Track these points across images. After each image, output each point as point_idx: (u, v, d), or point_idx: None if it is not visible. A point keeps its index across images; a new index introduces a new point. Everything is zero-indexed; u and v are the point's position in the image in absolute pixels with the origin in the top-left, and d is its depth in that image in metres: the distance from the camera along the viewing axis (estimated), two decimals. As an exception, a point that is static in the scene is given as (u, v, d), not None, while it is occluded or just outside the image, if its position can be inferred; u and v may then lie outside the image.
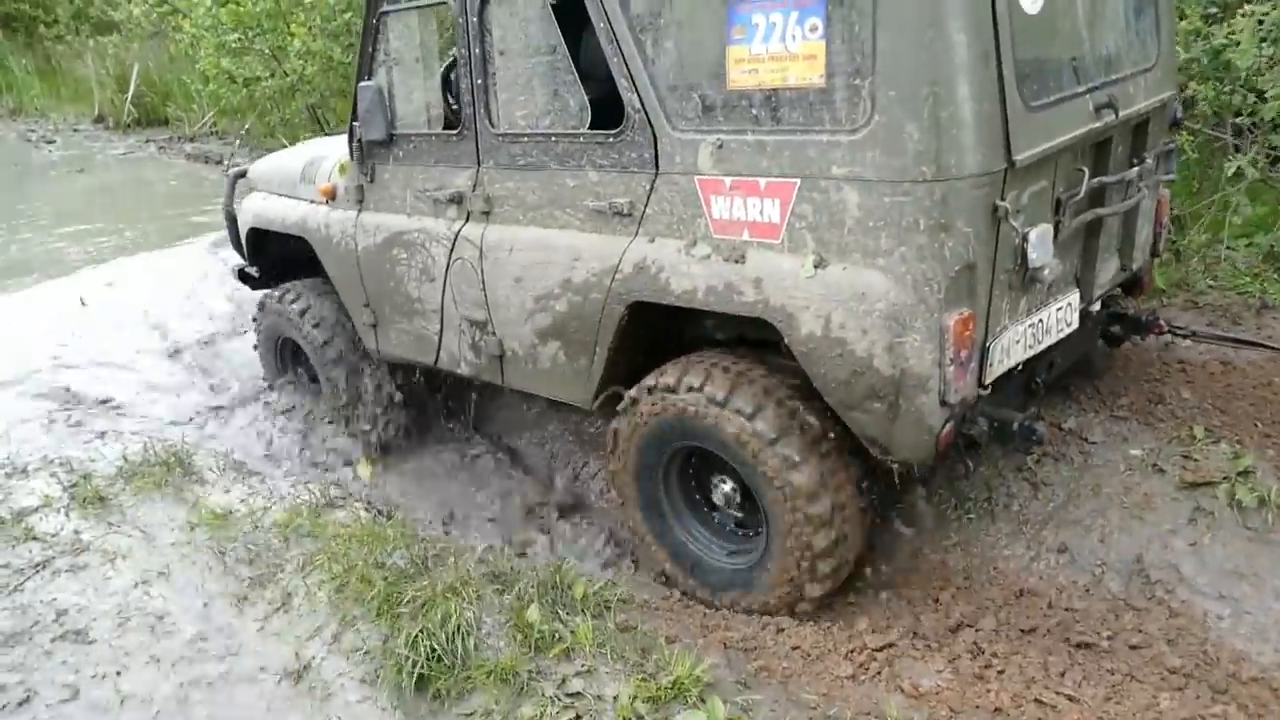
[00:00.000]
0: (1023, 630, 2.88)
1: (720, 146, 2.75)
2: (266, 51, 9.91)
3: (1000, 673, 2.71)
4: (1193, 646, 2.78)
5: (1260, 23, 4.38)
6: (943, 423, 2.61)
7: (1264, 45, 4.38)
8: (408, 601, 2.84)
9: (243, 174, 5.01)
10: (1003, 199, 2.52)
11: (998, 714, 2.54)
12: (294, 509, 3.57)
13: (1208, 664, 2.72)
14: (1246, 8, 4.56)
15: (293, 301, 4.47)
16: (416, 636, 2.67)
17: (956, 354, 2.53)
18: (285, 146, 6.83)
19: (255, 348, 4.99)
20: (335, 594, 2.98)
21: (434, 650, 2.64)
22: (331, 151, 4.26)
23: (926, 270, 2.47)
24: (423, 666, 2.61)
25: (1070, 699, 2.59)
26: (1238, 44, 4.48)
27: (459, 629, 2.70)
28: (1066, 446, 3.44)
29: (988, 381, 2.72)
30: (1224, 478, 3.18)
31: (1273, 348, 3.93)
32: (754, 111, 2.68)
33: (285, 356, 4.82)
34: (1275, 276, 4.47)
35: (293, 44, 9.40)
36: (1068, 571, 3.06)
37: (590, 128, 3.11)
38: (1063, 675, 2.69)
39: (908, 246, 2.47)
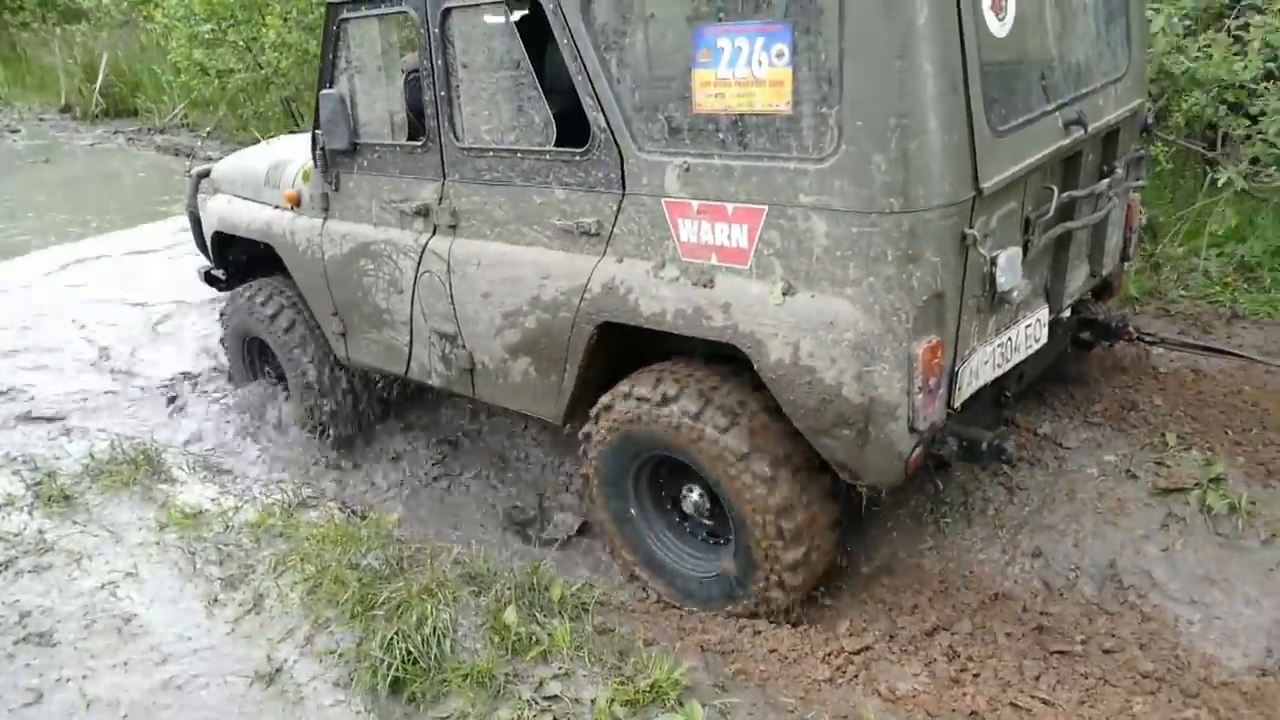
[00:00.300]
0: (998, 634, 2.90)
1: (687, 169, 2.73)
2: (240, 43, 9.79)
3: (976, 676, 2.72)
4: (1165, 651, 2.81)
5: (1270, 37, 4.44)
6: (912, 448, 2.62)
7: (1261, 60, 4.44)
8: (382, 603, 2.80)
9: (205, 174, 4.93)
10: (971, 227, 2.51)
11: (973, 717, 2.55)
12: (266, 509, 3.51)
13: (1179, 668, 2.75)
14: (1256, 18, 4.62)
15: (260, 300, 4.40)
16: (391, 639, 2.63)
17: (925, 382, 2.54)
18: (259, 140, 6.75)
19: (222, 344, 4.91)
20: (308, 595, 2.94)
21: (409, 653, 2.60)
22: (295, 154, 4.20)
23: (895, 300, 2.47)
24: (398, 669, 2.57)
25: (1045, 703, 2.61)
26: (1209, 57, 4.56)
27: (435, 631, 2.67)
28: (1041, 452, 3.47)
29: (957, 404, 2.73)
30: (1196, 484, 3.22)
31: (1239, 355, 3.99)
32: (721, 135, 2.65)
33: (253, 355, 4.75)
34: (1246, 286, 4.54)
35: (267, 36, 9.29)
36: (1042, 575, 3.08)
37: (557, 144, 3.08)
38: (1038, 679, 2.70)
39: (876, 277, 2.47)
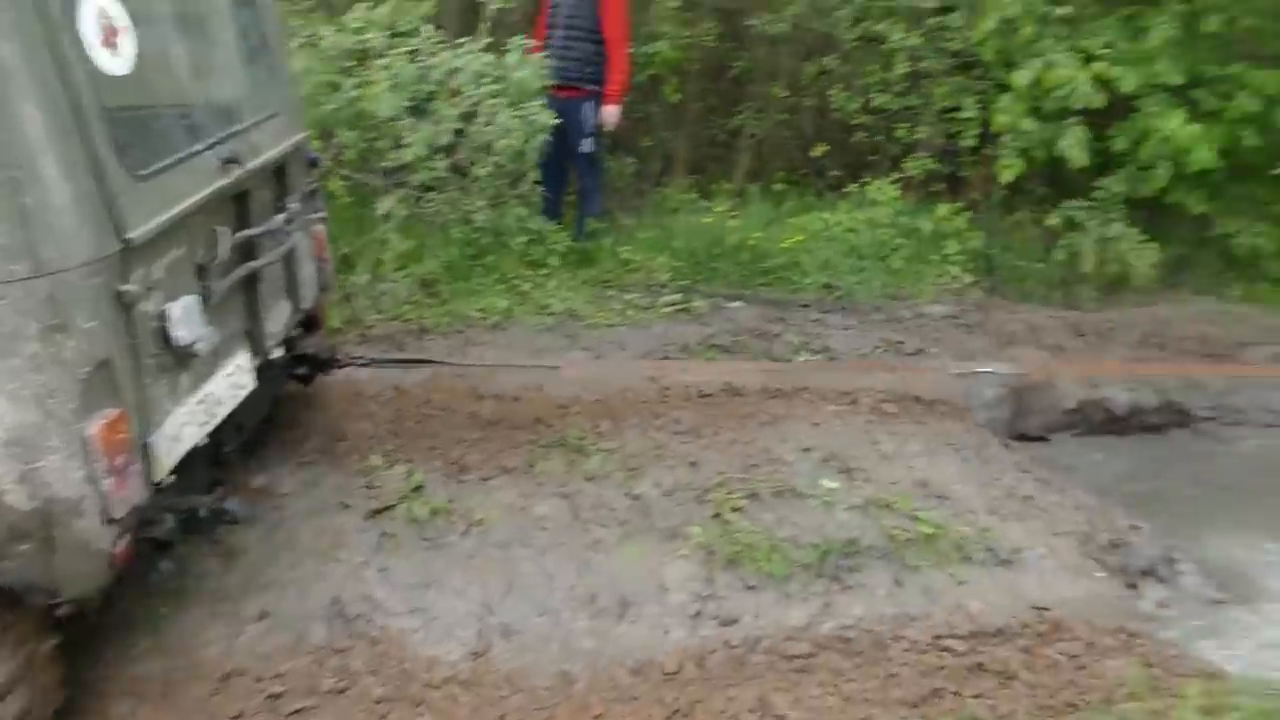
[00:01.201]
0: (232, 717, 2.73)
1: None
2: None
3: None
4: (393, 669, 2.91)
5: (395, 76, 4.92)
6: (114, 541, 2.32)
7: (398, 96, 4.93)
8: None
9: None
10: (127, 282, 2.31)
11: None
12: None
13: (407, 680, 2.88)
14: (380, 61, 5.09)
15: None
16: None
17: (111, 463, 2.26)
18: None
19: None
20: None
21: None
22: None
23: (49, 380, 2.15)
24: None
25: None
26: (368, 95, 4.97)
27: None
28: (257, 507, 3.39)
29: (161, 477, 2.50)
30: (401, 498, 3.46)
31: (428, 361, 4.46)
32: None
33: None
34: (429, 302, 5.10)
35: None
36: (271, 637, 2.97)
37: None
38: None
39: (19, 357, 2.12)
